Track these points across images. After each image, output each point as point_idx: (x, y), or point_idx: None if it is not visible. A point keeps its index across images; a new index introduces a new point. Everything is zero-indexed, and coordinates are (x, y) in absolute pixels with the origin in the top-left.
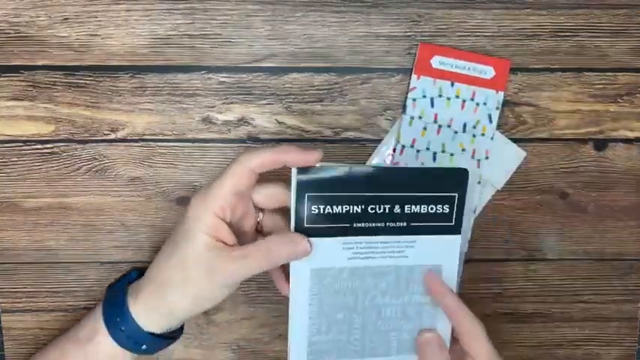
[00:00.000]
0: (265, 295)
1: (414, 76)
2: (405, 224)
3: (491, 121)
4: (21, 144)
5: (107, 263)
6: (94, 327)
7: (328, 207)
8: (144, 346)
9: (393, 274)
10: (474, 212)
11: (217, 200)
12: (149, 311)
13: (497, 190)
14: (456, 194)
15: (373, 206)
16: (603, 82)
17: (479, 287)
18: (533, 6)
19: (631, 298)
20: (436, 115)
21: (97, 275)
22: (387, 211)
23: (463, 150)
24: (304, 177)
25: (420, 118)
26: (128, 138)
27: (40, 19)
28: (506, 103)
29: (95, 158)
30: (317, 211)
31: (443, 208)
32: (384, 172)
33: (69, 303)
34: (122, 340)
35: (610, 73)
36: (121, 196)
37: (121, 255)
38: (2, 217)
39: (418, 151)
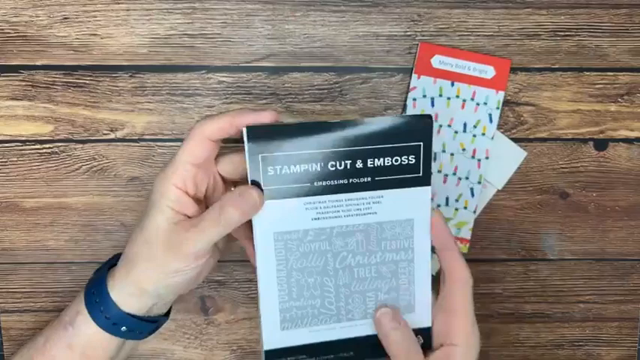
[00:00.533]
0: None
1: (414, 76)
2: (369, 179)
3: (491, 120)
4: (20, 144)
5: None
6: (77, 310)
7: (285, 167)
8: (123, 328)
9: (362, 232)
10: (474, 212)
11: (177, 172)
12: (123, 290)
13: (498, 190)
14: (421, 143)
15: (333, 162)
16: (604, 81)
17: (479, 287)
18: (534, 5)
19: (631, 298)
20: (436, 115)
21: None
22: (348, 166)
23: (463, 149)
24: (255, 137)
25: None
26: (127, 138)
27: (40, 18)
28: (506, 103)
29: (94, 158)
30: (273, 172)
31: (408, 159)
32: (341, 127)
33: (68, 303)
34: (102, 322)
35: (610, 73)
36: (120, 196)
37: None
38: (1, 217)
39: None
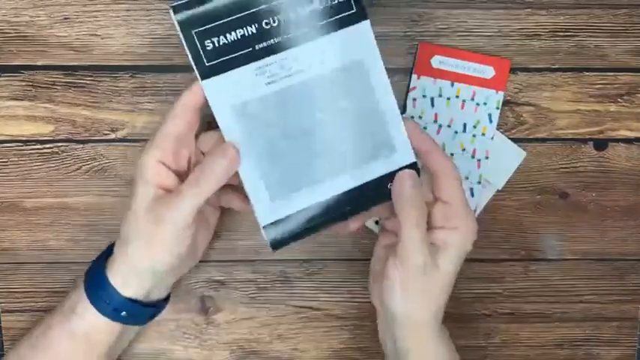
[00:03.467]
0: (265, 295)
1: (414, 76)
2: (307, 29)
3: (491, 121)
4: (21, 144)
5: None
6: (77, 296)
7: (222, 37)
8: (123, 313)
9: (318, 85)
10: (474, 212)
11: (158, 146)
12: (120, 273)
13: (498, 190)
14: None
15: (267, 20)
16: (603, 82)
17: (479, 287)
18: (534, 6)
19: (631, 298)
20: (436, 115)
21: None
22: (282, 21)
23: (463, 150)
24: (183, 14)
25: (420, 117)
26: (128, 138)
27: (40, 18)
28: (506, 103)
29: (95, 158)
30: (212, 45)
31: None
32: None
33: None
34: (102, 307)
35: (610, 73)
36: (120, 196)
37: None
38: (2, 216)
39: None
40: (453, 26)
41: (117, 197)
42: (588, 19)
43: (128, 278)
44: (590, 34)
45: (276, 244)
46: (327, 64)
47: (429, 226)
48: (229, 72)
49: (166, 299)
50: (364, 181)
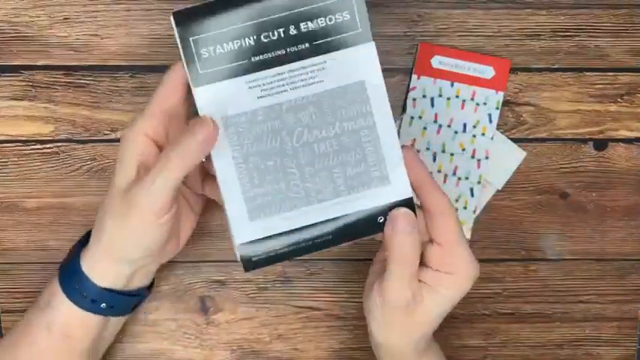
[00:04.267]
0: (265, 295)
1: (414, 76)
2: (307, 45)
3: (491, 121)
4: (21, 144)
5: None
6: (52, 291)
7: (218, 46)
8: (103, 305)
9: (314, 103)
10: (474, 212)
11: (149, 120)
12: (96, 261)
13: (498, 190)
14: None
15: (266, 33)
16: (603, 82)
17: (479, 287)
18: (534, 6)
19: (631, 298)
20: (436, 115)
21: None
22: (282, 35)
23: (463, 150)
24: (183, 21)
25: (420, 118)
26: None
27: (40, 18)
28: (506, 103)
29: (95, 158)
30: (207, 54)
31: (343, 16)
32: None
33: None
34: (79, 300)
35: (610, 73)
36: None
37: None
38: (2, 217)
39: (418, 150)
40: (453, 26)
41: None
42: (588, 19)
43: (104, 267)
44: (590, 34)
45: (250, 265)
46: (324, 83)
47: (423, 264)
48: (222, 82)
49: (150, 287)
50: (353, 211)
